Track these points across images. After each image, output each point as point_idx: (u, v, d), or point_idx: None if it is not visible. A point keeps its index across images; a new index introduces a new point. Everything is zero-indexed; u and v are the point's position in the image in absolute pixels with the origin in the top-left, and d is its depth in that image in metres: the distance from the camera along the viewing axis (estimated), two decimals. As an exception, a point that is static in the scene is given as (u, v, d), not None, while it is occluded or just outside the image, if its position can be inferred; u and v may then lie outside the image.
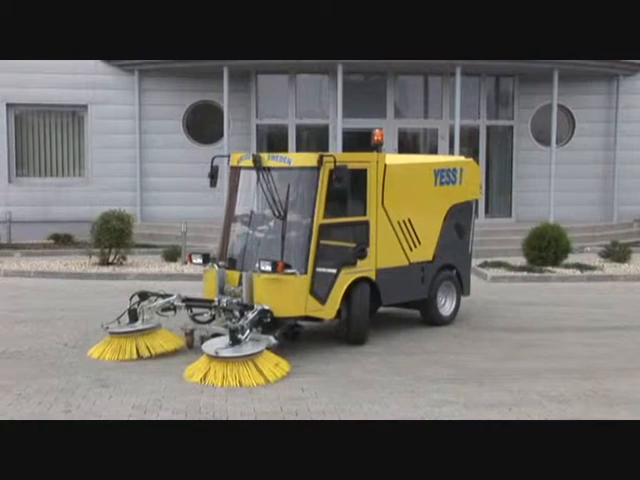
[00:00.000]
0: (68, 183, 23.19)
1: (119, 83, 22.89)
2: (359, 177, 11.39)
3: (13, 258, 19.20)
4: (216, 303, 10.69)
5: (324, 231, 10.84)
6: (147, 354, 10.54)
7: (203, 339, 10.43)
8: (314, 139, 22.38)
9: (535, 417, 8.26)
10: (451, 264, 12.83)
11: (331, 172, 10.82)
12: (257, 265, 10.62)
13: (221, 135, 22.18)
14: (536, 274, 17.31)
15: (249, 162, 11.41)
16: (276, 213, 10.92)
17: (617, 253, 18.89)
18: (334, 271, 10.97)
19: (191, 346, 10.85)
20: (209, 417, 8.23)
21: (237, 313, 10.27)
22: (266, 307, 10.18)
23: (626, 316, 13.77)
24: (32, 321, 12.91)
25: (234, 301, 10.55)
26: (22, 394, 8.99)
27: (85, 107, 23.06)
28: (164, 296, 11.17)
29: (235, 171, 11.88)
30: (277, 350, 9.98)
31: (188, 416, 8.26)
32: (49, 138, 23.47)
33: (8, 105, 22.86)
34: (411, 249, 12.15)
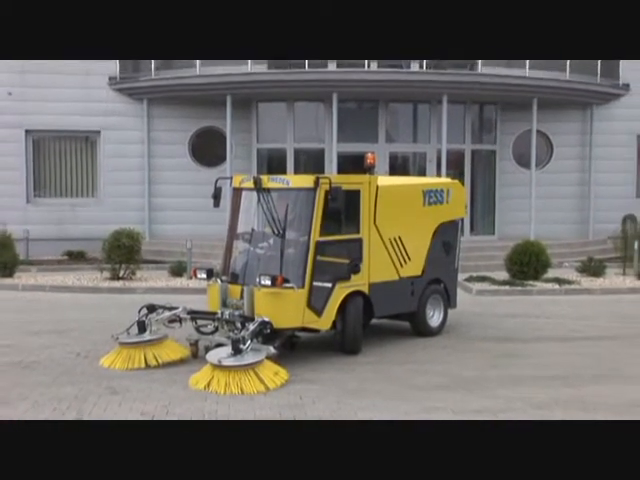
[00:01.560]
0: (81, 203, 23.21)
1: (129, 110, 22.92)
2: (353, 197, 11.40)
3: (30, 273, 19.17)
4: (219, 315, 10.70)
5: (320, 248, 10.84)
6: (155, 363, 10.54)
7: (207, 349, 10.44)
8: (311, 162, 22.41)
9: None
10: (439, 278, 12.81)
11: (327, 193, 10.82)
12: (257, 279, 10.61)
13: (224, 158, 22.20)
14: (518, 288, 17.31)
15: (250, 183, 11.43)
16: (275, 231, 10.94)
17: (593, 268, 18.91)
18: (330, 285, 10.97)
19: (196, 356, 10.85)
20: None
21: (239, 325, 10.26)
22: (266, 319, 10.16)
23: (602, 327, 13.78)
24: (47, 332, 12.90)
25: (236, 313, 10.56)
26: (38, 401, 9.00)
27: (98, 133, 23.10)
28: (170, 309, 11.18)
29: (237, 192, 11.88)
30: (276, 359, 9.97)
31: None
32: (64, 161, 23.51)
33: (27, 131, 22.91)
34: (401, 264, 12.16)
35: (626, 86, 24.00)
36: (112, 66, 22.56)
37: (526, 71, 21.70)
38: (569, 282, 17.78)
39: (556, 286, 17.48)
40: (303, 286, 10.66)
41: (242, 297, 10.81)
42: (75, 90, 22.59)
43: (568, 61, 22.16)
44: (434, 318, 12.74)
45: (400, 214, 12.13)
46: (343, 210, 11.16)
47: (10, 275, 18.55)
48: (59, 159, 23.50)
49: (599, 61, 23.00)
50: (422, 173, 22.35)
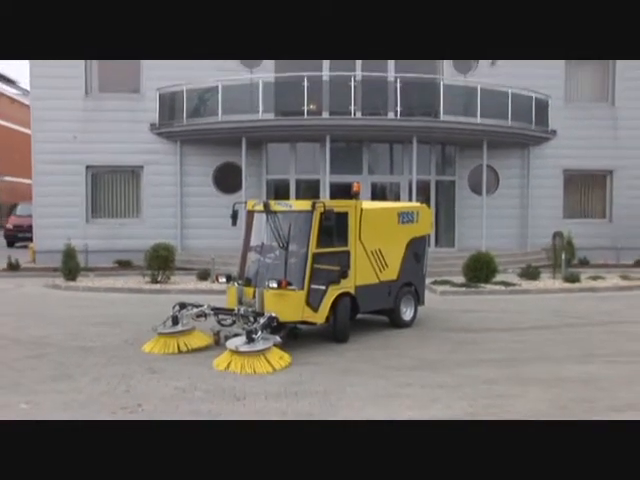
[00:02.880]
0: (128, 223, 23.16)
1: (166, 149, 22.90)
2: (342, 218, 11.43)
3: (88, 278, 19.16)
4: (236, 311, 10.69)
5: (316, 258, 10.86)
6: (185, 349, 10.57)
7: (227, 338, 10.41)
8: (309, 190, 22.37)
9: (471, 393, 8.27)
10: (411, 282, 12.82)
11: (322, 214, 10.86)
12: (266, 283, 10.65)
13: (240, 187, 22.16)
14: (473, 289, 17.28)
15: (261, 207, 11.46)
16: (280, 244, 10.97)
17: (530, 273, 18.90)
18: (324, 287, 10.99)
19: (218, 343, 10.84)
20: (231, 395, 8.23)
21: (252, 319, 10.28)
22: (273, 314, 10.16)
23: (537, 319, 13.78)
24: (102, 324, 12.93)
25: (249, 310, 10.58)
26: (96, 377, 9.08)
27: (141, 167, 23.07)
28: (198, 306, 11.17)
29: (250, 214, 11.90)
30: (282, 346, 9.97)
31: (215, 395, 8.24)
32: (115, 190, 23.46)
33: (87, 167, 22.88)
34: (381, 271, 12.16)
35: (554, 132, 24.06)
36: (153, 115, 22.59)
37: (478, 119, 21.75)
38: (512, 284, 17.76)
39: (502, 287, 17.44)
40: (303, 288, 10.68)
41: (254, 297, 10.83)
42: (124, 134, 22.58)
43: (510, 111, 22.23)
44: (407, 313, 12.72)
45: (380, 231, 12.15)
46: (334, 228, 11.18)
47: (74, 279, 18.51)
48: (111, 188, 23.46)
49: (533, 112, 23.10)
50: (397, 199, 22.35)
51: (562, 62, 23.94)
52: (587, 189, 25.30)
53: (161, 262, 18.09)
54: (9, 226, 31.58)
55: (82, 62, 22.57)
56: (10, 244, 30.44)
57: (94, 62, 22.95)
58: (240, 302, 10.98)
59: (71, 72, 22.38)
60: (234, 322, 10.89)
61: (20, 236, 29.81)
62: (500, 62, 23.00)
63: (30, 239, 24.37)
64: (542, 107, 23.53)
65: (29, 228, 24.89)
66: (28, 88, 25.61)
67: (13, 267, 20.66)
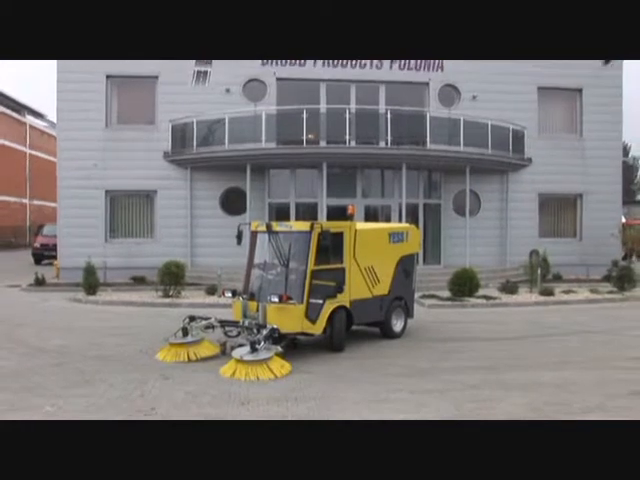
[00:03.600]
0: (143, 242, 23.11)
1: (177, 175, 22.90)
2: (338, 238, 11.42)
3: (107, 292, 19.10)
4: (241, 323, 10.68)
5: (314, 274, 10.85)
6: (194, 358, 10.53)
7: (232, 348, 10.38)
8: (308, 212, 22.37)
9: (457, 397, 8.25)
10: (401, 296, 12.78)
11: (319, 235, 10.87)
12: (269, 297, 10.62)
13: (244, 209, 22.14)
14: (457, 302, 17.26)
15: (263, 228, 11.47)
16: (281, 262, 10.96)
17: (509, 288, 18.89)
18: (321, 301, 10.95)
19: (224, 353, 10.78)
20: (236, 400, 8.20)
21: (255, 330, 10.23)
22: (275, 326, 10.14)
23: (516, 330, 13.75)
24: (118, 335, 12.88)
25: (253, 322, 10.53)
26: (113, 384, 9.02)
27: (155, 192, 23.07)
28: (206, 319, 11.15)
29: (254, 234, 11.89)
30: (282, 355, 9.95)
31: (222, 399, 8.22)
32: (131, 212, 23.44)
33: (106, 191, 22.88)
34: (373, 286, 12.14)
35: (529, 159, 24.14)
36: (166, 144, 22.64)
37: (461, 147, 21.84)
38: (493, 298, 17.73)
39: (484, 301, 17.40)
40: (302, 302, 10.66)
41: (258, 310, 10.79)
42: (140, 162, 22.62)
43: (490, 141, 22.33)
44: (397, 325, 12.68)
45: (372, 250, 12.13)
46: (331, 247, 11.16)
47: (94, 293, 18.48)
48: (128, 211, 23.44)
49: (511, 141, 23.19)
50: (388, 220, 22.35)
51: (536, 97, 24.31)
52: (560, 211, 25.37)
53: (172, 278, 18.08)
54: (36, 245, 31.81)
55: (103, 97, 22.72)
56: (37, 261, 30.53)
57: (114, 97, 23.11)
58: (245, 315, 10.96)
59: (92, 106, 22.58)
60: (239, 333, 10.87)
61: (46, 254, 29.88)
62: (480, 96, 23.35)
63: (55, 257, 24.36)
64: (518, 137, 23.66)
65: (54, 247, 24.89)
66: (55, 121, 25.75)
67: (39, 282, 20.68)
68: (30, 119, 53.82)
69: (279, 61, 22.85)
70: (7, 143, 46.69)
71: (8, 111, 48.21)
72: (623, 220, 28.41)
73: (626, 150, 55.80)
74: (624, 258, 25.40)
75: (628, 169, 59.57)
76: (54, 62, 22.87)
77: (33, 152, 50.98)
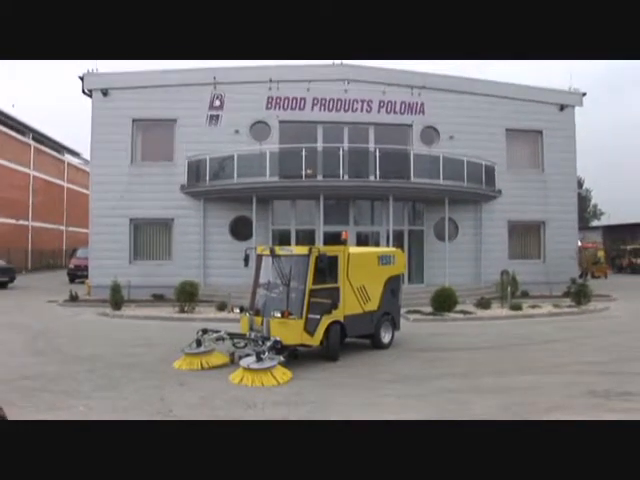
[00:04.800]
0: (162, 264, 23.07)
1: (192, 205, 22.96)
2: (333, 260, 11.45)
3: (130, 308, 19.07)
4: (248, 336, 10.67)
5: (312, 293, 10.86)
6: (207, 366, 10.51)
7: (240, 357, 10.36)
8: (306, 238, 22.38)
9: (436, 400, 8.23)
10: (389, 311, 12.75)
11: (317, 258, 10.90)
12: (272, 313, 10.62)
13: (251, 235, 22.19)
14: (438, 317, 17.22)
15: (268, 251, 11.50)
16: (283, 282, 10.97)
17: (483, 303, 18.90)
18: (319, 317, 10.95)
19: (233, 362, 10.76)
20: (244, 403, 8.17)
21: (260, 342, 10.22)
22: (277, 338, 10.14)
23: (490, 340, 13.75)
24: (140, 345, 12.85)
25: (258, 335, 10.53)
26: (135, 388, 8.99)
27: (172, 220, 23.11)
28: (217, 331, 11.14)
29: (259, 257, 11.92)
30: (284, 364, 9.95)
31: (231, 403, 8.19)
32: (152, 237, 23.44)
33: (130, 219, 22.94)
34: (365, 303, 12.13)
35: (499, 191, 24.27)
36: (182, 178, 22.72)
37: (441, 181, 21.94)
38: (469, 313, 17.72)
39: (461, 315, 17.39)
40: (302, 317, 10.66)
41: (262, 324, 10.79)
42: (160, 194, 22.71)
43: (465, 175, 22.44)
44: (386, 337, 12.64)
45: (364, 271, 12.13)
46: (327, 268, 11.18)
47: (119, 309, 18.43)
48: (149, 236, 23.44)
49: (483, 175, 23.29)
50: (377, 245, 22.37)
51: (504, 137, 24.63)
52: (526, 236, 25.44)
53: (187, 296, 18.09)
54: (71, 266, 31.99)
55: (129, 138, 22.89)
56: (71, 280, 30.60)
57: (138, 138, 23.26)
58: (251, 328, 10.95)
59: (121, 146, 22.75)
60: (246, 345, 10.87)
61: (79, 274, 29.92)
62: (457, 136, 23.57)
63: (87, 276, 24.35)
64: (490, 172, 23.79)
65: (86, 268, 24.93)
66: (88, 158, 25.95)
67: (73, 298, 20.65)
68: (68, 157, 54.90)
69: (281, 105, 23.08)
70: (50, 179, 48.05)
71: (51, 151, 49.48)
72: (579, 244, 28.59)
73: (580, 183, 56.25)
74: (580, 276, 25.52)
75: (582, 199, 60.03)
76: (89, 105, 23.02)
77: (69, 186, 52.05)
